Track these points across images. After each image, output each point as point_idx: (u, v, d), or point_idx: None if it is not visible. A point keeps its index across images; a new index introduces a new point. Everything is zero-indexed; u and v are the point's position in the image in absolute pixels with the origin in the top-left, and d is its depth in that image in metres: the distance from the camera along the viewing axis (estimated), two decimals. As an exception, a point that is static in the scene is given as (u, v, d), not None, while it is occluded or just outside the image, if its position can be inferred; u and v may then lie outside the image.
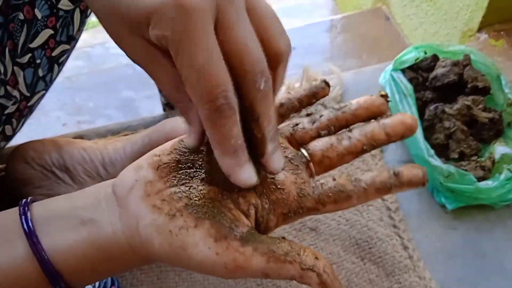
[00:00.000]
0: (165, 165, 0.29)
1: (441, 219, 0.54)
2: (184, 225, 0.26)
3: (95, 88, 0.97)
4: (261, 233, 0.28)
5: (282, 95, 0.33)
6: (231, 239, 0.26)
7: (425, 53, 0.63)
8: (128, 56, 0.28)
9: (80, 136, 0.58)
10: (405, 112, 0.33)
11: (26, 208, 0.28)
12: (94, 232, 0.27)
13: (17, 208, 0.28)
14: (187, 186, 0.28)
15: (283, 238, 0.27)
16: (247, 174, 0.27)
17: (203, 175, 0.29)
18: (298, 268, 0.26)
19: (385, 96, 0.33)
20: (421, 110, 0.59)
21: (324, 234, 0.52)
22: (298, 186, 0.30)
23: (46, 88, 0.46)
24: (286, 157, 0.31)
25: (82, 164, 0.48)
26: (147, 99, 0.94)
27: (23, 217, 0.27)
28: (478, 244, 0.53)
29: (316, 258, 0.26)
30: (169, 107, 0.77)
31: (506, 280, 0.50)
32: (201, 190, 0.28)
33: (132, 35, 0.26)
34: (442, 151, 0.57)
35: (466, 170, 0.53)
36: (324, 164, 0.31)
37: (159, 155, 0.29)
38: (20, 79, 0.42)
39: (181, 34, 0.23)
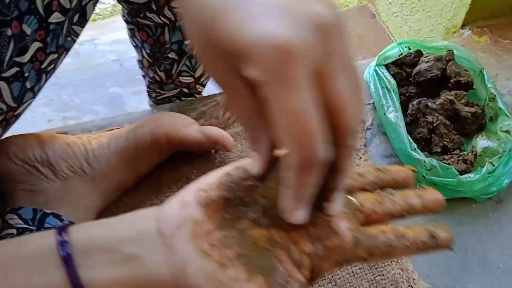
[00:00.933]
0: (213, 202, 0.28)
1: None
2: (236, 277, 0.25)
3: (82, 84, 0.97)
4: (311, 279, 0.28)
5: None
6: None
7: (409, 48, 0.64)
8: (209, 74, 0.27)
9: (64, 132, 0.58)
10: (432, 188, 0.36)
11: (63, 233, 0.27)
12: (137, 270, 0.26)
13: (53, 231, 0.27)
14: (237, 230, 0.27)
15: None
16: (302, 215, 0.26)
17: (253, 215, 0.28)
18: None
19: (414, 170, 0.35)
20: (404, 105, 0.60)
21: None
22: (353, 233, 0.29)
23: (34, 97, 0.46)
24: None
25: (66, 160, 0.48)
26: (134, 95, 0.94)
27: (60, 245, 0.26)
28: (461, 237, 0.53)
29: None
30: (155, 103, 0.77)
31: (488, 273, 0.50)
32: (252, 236, 0.27)
33: (220, 62, 0.25)
34: (425, 145, 0.58)
35: (448, 164, 0.54)
36: (370, 218, 0.31)
37: (206, 190, 0.28)
38: (6, 92, 0.41)
39: (281, 79, 0.22)
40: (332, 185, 0.27)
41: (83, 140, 0.50)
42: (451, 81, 0.60)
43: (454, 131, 0.58)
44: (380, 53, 0.62)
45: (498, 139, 0.57)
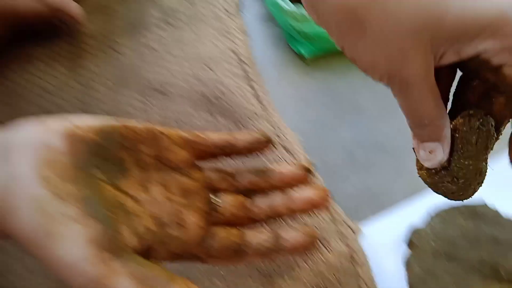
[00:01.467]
0: (83, 144, 0.26)
1: (298, 67, 0.52)
2: (67, 213, 0.23)
3: None
4: (143, 255, 0.26)
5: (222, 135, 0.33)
6: (109, 251, 0.23)
7: None
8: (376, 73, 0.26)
9: None
10: (318, 185, 0.34)
11: None
12: None
13: None
14: (93, 179, 0.26)
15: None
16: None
17: (117, 174, 0.28)
18: None
19: (308, 170, 0.34)
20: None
21: (173, 95, 0.48)
22: (200, 231, 0.30)
23: None
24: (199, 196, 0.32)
25: None
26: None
27: None
28: (335, 88, 0.52)
29: (187, 285, 0.25)
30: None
31: (360, 115, 0.50)
32: (106, 191, 0.26)
33: (427, 51, 0.24)
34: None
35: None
36: (228, 220, 0.31)
37: (82, 129, 0.26)
38: None
39: None
40: None
41: None
42: None
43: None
44: None
45: None
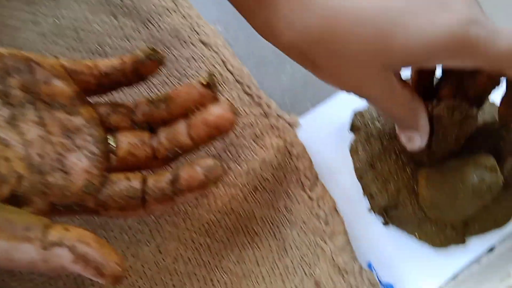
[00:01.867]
0: None
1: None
2: None
3: None
4: (8, 202, 0.23)
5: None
6: None
7: None
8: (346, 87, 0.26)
9: None
10: (224, 103, 0.27)
11: None
12: None
13: None
14: None
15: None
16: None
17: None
18: (39, 247, 0.20)
19: (207, 85, 0.28)
20: None
21: (64, 0, 0.40)
22: (88, 178, 0.25)
23: None
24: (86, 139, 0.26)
25: None
26: None
27: None
28: None
29: (66, 229, 0.21)
30: None
31: None
32: None
33: (384, 71, 0.24)
34: None
35: None
36: (126, 162, 0.27)
37: None
38: None
39: None
40: None
41: None
42: None
43: None
44: None
45: None
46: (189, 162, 0.27)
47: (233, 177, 0.34)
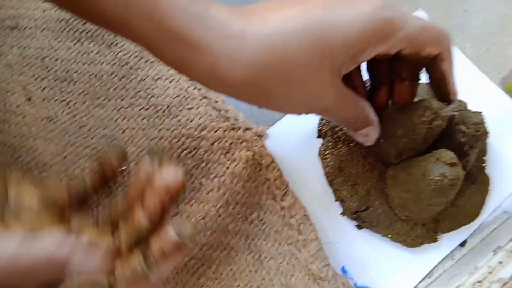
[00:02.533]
0: None
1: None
2: None
3: None
4: None
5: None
6: None
7: None
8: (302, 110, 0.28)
9: None
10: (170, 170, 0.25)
11: None
12: None
13: None
14: None
15: None
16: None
17: None
18: None
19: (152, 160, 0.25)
20: None
21: (28, 30, 0.41)
22: None
23: None
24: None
25: None
26: None
27: None
28: None
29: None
30: None
31: None
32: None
33: (334, 77, 0.26)
34: None
35: None
36: None
37: None
38: None
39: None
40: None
41: None
42: None
43: None
44: None
45: None
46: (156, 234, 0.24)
47: (205, 193, 0.35)
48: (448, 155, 0.30)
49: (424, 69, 0.31)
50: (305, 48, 0.24)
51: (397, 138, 0.32)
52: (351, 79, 0.31)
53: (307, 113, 0.28)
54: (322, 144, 0.37)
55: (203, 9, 0.24)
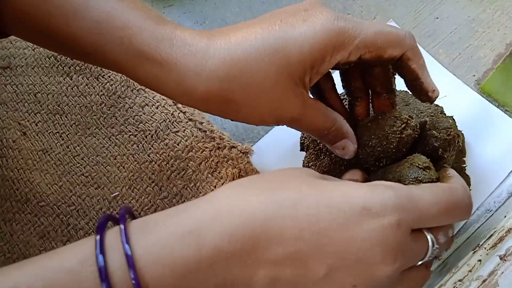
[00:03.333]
0: None
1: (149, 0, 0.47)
2: None
3: None
4: None
5: None
6: None
7: None
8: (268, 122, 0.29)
9: None
10: None
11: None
12: None
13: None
14: None
15: None
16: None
17: None
18: None
19: None
20: None
21: (20, 68, 0.43)
22: None
23: None
24: None
25: None
26: None
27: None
28: (192, 17, 0.47)
29: None
30: None
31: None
32: None
33: (297, 87, 0.27)
34: None
35: None
36: None
37: None
38: None
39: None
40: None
41: None
42: None
43: None
44: None
45: None
46: None
47: (195, 211, 0.36)
48: (421, 159, 0.32)
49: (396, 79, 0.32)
50: (264, 58, 0.26)
51: (372, 147, 0.33)
52: (324, 94, 0.32)
53: (276, 123, 0.29)
54: (305, 157, 0.39)
55: (169, 31, 0.26)
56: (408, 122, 0.32)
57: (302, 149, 0.39)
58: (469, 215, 0.27)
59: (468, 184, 0.37)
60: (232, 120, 0.29)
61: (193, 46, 0.26)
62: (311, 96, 0.30)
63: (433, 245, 0.25)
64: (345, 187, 0.24)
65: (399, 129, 0.32)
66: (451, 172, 0.30)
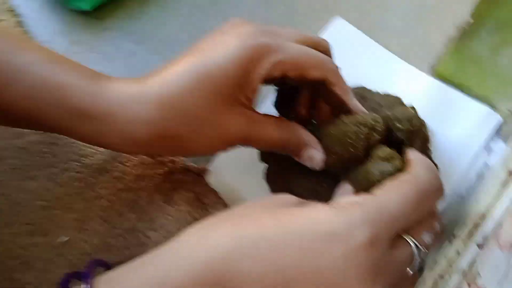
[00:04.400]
0: None
1: (87, 25, 0.45)
2: None
3: None
4: None
5: None
6: None
7: None
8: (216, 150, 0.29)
9: None
10: None
11: None
12: None
13: None
14: None
15: None
16: None
17: None
18: None
19: None
20: None
21: None
22: None
23: None
24: None
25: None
26: None
27: None
28: (131, 38, 0.45)
29: None
30: None
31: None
32: None
33: (234, 107, 0.27)
34: None
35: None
36: None
37: None
38: None
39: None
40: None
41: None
42: None
43: None
44: None
45: None
46: None
47: (154, 246, 0.33)
48: (383, 151, 0.30)
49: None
50: (194, 88, 0.26)
51: (339, 155, 0.31)
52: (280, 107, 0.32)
53: (229, 147, 0.28)
54: (267, 168, 0.36)
55: (104, 85, 0.27)
56: (375, 127, 0.30)
57: (262, 159, 0.36)
58: (442, 194, 0.26)
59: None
60: (185, 157, 0.28)
61: (127, 94, 0.26)
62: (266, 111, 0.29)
63: (417, 247, 0.23)
64: (309, 213, 0.22)
65: (365, 135, 0.30)
66: (411, 154, 0.28)
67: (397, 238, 0.23)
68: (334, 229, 0.21)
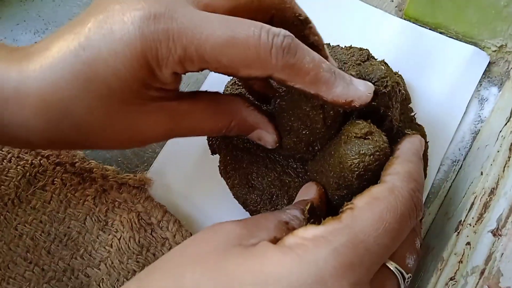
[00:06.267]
0: None
1: None
2: None
3: None
4: None
5: None
6: None
7: None
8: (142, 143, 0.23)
9: None
10: None
11: None
12: None
13: None
14: None
15: None
16: None
17: None
18: None
19: None
20: None
21: None
22: None
23: None
24: None
25: None
26: None
27: None
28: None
29: None
30: None
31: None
32: None
33: (145, 105, 0.22)
34: None
35: None
36: None
37: None
38: None
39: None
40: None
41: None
42: None
43: None
44: None
45: None
46: None
47: (96, 284, 0.27)
48: (357, 126, 0.24)
49: None
50: (79, 87, 0.20)
51: (296, 132, 0.25)
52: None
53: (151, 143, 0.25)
54: (220, 161, 0.30)
55: None
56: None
57: (213, 152, 0.30)
58: (421, 212, 0.20)
59: (423, 135, 0.30)
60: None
61: (5, 86, 0.20)
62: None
63: (402, 275, 0.18)
64: (259, 264, 0.17)
65: (319, 103, 0.23)
66: (397, 152, 0.22)
67: (379, 270, 0.18)
68: (299, 285, 0.15)
